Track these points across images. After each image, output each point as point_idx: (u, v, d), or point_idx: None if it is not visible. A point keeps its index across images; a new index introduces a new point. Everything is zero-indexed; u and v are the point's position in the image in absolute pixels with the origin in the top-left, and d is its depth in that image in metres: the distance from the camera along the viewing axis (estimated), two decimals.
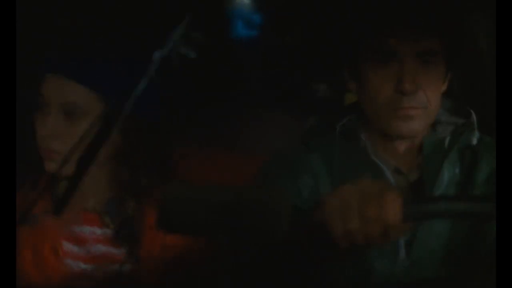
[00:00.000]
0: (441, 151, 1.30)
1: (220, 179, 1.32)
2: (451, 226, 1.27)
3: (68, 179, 1.19)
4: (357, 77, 1.29)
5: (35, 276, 1.28)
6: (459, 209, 1.07)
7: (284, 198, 1.21)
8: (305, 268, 1.15)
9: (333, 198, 1.00)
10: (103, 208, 1.33)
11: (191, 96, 1.55)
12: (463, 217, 1.19)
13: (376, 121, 1.28)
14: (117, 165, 1.32)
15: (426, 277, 1.26)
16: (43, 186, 1.30)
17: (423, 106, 1.25)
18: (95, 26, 1.36)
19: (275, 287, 1.17)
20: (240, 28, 1.83)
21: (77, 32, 1.33)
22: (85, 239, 1.32)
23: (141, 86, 1.12)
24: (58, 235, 1.31)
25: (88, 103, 1.26)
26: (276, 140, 1.58)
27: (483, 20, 1.42)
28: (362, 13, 1.30)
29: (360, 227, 0.97)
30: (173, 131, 1.37)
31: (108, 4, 1.58)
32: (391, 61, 1.24)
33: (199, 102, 1.59)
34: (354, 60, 1.29)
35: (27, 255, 1.29)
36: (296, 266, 1.14)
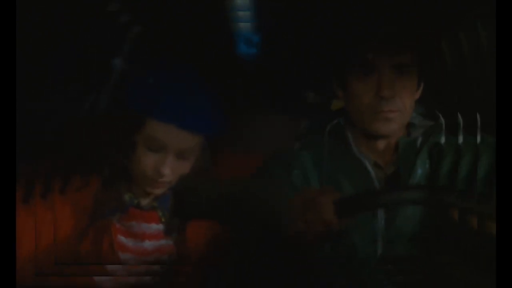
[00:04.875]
0: (414, 150, 1.44)
1: (224, 174, 1.45)
2: (421, 212, 1.38)
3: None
4: (344, 86, 1.43)
5: (92, 267, 1.38)
6: (426, 197, 1.19)
7: (281, 189, 1.33)
8: (293, 251, 1.26)
9: (284, 206, 1.16)
10: (158, 204, 1.43)
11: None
12: (430, 204, 1.26)
13: (360, 123, 1.42)
14: None
15: (400, 255, 1.38)
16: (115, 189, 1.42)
17: (399, 109, 1.39)
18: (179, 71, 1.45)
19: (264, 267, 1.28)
20: (242, 46, 2.00)
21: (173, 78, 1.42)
22: (141, 234, 1.41)
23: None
24: (116, 231, 1.40)
25: (196, 145, 1.40)
26: (274, 140, 1.68)
27: (483, 23, 1.55)
28: (345, 33, 1.46)
29: (304, 227, 1.14)
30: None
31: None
32: (371, 73, 1.38)
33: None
34: (341, 72, 1.43)
35: (86, 246, 1.38)
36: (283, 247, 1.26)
